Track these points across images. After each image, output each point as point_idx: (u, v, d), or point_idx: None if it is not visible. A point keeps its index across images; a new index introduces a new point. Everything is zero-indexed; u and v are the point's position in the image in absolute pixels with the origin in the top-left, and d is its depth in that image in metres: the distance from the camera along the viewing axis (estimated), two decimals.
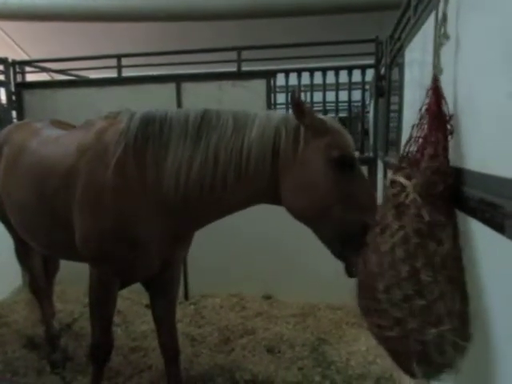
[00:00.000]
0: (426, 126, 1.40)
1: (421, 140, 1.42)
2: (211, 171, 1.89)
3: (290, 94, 1.85)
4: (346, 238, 1.71)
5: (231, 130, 1.89)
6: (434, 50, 1.43)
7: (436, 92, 1.38)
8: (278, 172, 1.85)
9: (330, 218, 1.74)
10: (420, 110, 1.44)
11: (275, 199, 1.92)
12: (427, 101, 1.41)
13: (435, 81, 1.39)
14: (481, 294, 1.22)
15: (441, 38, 1.39)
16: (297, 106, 1.78)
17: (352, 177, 1.76)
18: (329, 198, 1.73)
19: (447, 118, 1.38)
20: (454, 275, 1.25)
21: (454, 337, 1.20)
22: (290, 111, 1.88)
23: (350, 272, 1.73)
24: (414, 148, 1.46)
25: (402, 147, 1.56)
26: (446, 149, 1.36)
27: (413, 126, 1.48)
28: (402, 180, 1.37)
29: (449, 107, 1.38)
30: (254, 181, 1.88)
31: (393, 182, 1.44)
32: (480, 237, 1.23)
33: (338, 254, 1.80)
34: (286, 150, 1.82)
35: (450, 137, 1.38)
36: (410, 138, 1.49)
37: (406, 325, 1.25)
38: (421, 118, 1.44)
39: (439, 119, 1.37)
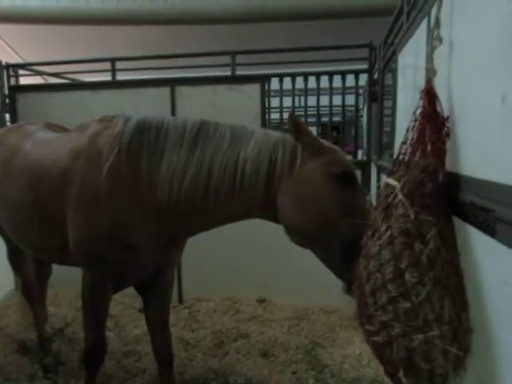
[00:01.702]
0: (419, 127, 1.40)
1: (414, 141, 1.41)
2: (204, 181, 1.91)
3: (288, 115, 1.87)
4: (348, 254, 1.63)
5: (228, 143, 1.91)
6: (428, 53, 1.44)
7: (429, 93, 1.38)
8: (274, 190, 1.85)
9: (332, 233, 1.73)
10: (414, 112, 1.44)
11: (269, 216, 1.94)
12: (421, 103, 1.40)
13: (429, 82, 1.39)
14: (479, 301, 1.18)
15: (434, 41, 1.39)
16: (296, 125, 1.81)
17: (353, 192, 1.78)
18: (332, 213, 1.73)
19: (442, 119, 1.36)
20: (442, 278, 1.20)
21: (443, 344, 1.14)
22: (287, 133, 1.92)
23: (349, 290, 1.64)
24: (408, 150, 1.45)
25: (396, 150, 1.56)
26: (440, 150, 1.35)
27: (407, 129, 1.48)
28: (390, 181, 1.36)
29: (443, 109, 1.38)
30: (248, 195, 1.89)
31: (386, 185, 1.42)
32: (476, 242, 1.21)
33: (340, 271, 1.77)
34: (283, 167, 1.83)
35: (446, 138, 1.36)
36: (405, 141, 1.48)
37: (391, 329, 1.21)
38: (415, 121, 1.43)
39: (433, 120, 1.36)
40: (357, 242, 1.53)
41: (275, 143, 1.88)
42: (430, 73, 1.40)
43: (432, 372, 1.17)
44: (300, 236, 1.87)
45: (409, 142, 1.46)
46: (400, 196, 1.28)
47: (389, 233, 1.27)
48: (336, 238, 1.73)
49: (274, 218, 1.92)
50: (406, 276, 1.19)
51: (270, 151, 1.86)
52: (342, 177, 1.76)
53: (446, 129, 1.36)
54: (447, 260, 1.25)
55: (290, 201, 1.82)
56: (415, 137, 1.42)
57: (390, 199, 1.32)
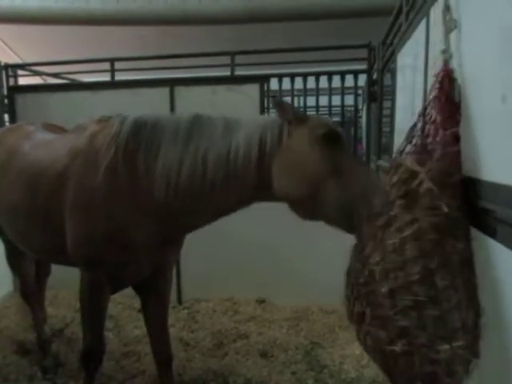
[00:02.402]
0: (435, 111, 1.29)
1: (432, 125, 1.28)
2: (200, 173, 1.92)
3: (272, 100, 1.95)
4: (349, 212, 1.67)
5: (220, 134, 1.93)
6: (443, 36, 1.39)
7: (447, 75, 1.29)
8: (268, 168, 1.87)
9: (327, 193, 1.74)
10: (428, 95, 1.35)
11: (266, 195, 1.95)
12: (438, 85, 1.29)
13: (445, 65, 1.32)
14: (493, 305, 1.10)
15: (448, 24, 1.35)
16: (278, 104, 1.90)
17: (340, 151, 1.80)
18: (321, 173, 1.75)
19: (457, 104, 1.27)
20: (469, 281, 1.09)
21: (466, 354, 1.03)
22: None
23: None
24: (419, 133, 1.36)
25: (395, 148, 1.52)
26: (457, 137, 1.24)
27: (422, 109, 1.38)
28: (413, 166, 1.19)
29: (456, 94, 1.30)
30: (243, 180, 1.91)
31: (398, 167, 1.26)
32: (487, 244, 1.13)
33: (348, 227, 1.73)
34: (272, 145, 1.87)
35: (458, 126, 1.26)
36: (416, 124, 1.39)
37: (414, 338, 1.07)
38: (429, 103, 1.32)
39: (451, 104, 1.26)
40: (356, 199, 1.59)
41: (264, 126, 1.91)
42: (446, 55, 1.35)
43: None
44: (299, 203, 1.87)
45: (420, 125, 1.37)
46: (428, 184, 1.12)
47: (416, 226, 1.11)
48: (333, 198, 1.73)
49: (274, 197, 1.93)
50: (437, 278, 1.06)
51: (259, 134, 1.89)
52: (327, 136, 1.79)
53: (458, 116, 1.27)
54: (470, 260, 1.14)
55: (281, 170, 1.85)
56: (432, 120, 1.30)
57: (412, 185, 1.16)
